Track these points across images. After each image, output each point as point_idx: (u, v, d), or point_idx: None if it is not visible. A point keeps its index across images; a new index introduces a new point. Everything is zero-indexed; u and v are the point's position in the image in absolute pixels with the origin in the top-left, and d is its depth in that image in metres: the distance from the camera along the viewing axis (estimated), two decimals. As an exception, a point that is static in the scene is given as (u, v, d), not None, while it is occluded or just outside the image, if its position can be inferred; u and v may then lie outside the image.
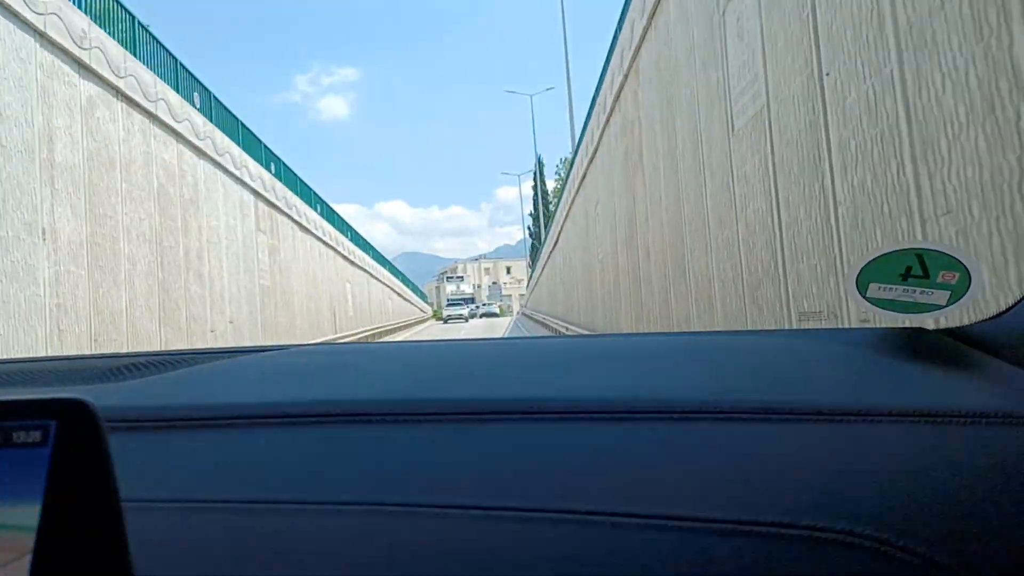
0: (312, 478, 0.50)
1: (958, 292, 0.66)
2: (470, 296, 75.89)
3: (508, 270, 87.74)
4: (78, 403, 0.38)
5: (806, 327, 3.54)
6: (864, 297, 0.69)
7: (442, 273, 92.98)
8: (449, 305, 60.51)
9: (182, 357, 0.66)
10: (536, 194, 42.29)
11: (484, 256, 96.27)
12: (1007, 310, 0.65)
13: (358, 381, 0.62)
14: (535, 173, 47.46)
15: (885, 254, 0.68)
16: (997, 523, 0.47)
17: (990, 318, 0.67)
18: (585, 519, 0.46)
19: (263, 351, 0.71)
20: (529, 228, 48.25)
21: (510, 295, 68.05)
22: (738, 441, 0.51)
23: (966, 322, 0.69)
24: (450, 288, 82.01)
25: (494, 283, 77.94)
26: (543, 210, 42.03)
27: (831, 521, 0.46)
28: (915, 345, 0.67)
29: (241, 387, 0.61)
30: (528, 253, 47.87)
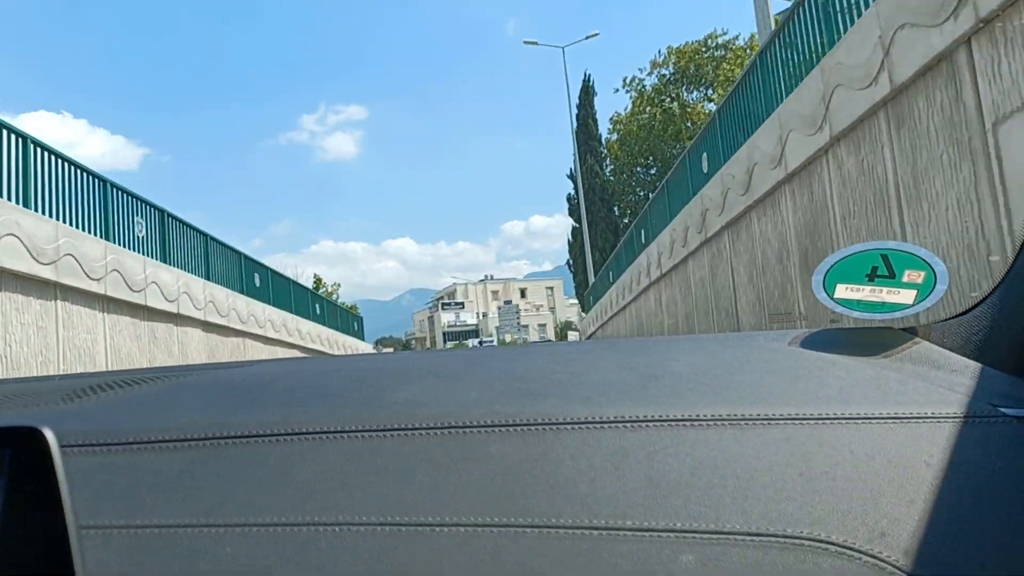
0: (281, 498, 0.50)
1: (924, 291, 0.66)
2: (473, 328, 58.44)
3: (523, 293, 64.87)
4: (30, 430, 0.38)
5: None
6: (831, 298, 0.69)
7: (436, 300, 68.06)
8: (446, 343, 50.65)
9: (150, 375, 0.66)
10: (578, 149, 31.71)
11: (491, 278, 68.86)
12: (968, 310, 0.65)
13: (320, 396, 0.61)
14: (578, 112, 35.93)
15: (851, 254, 0.68)
16: (961, 521, 0.47)
17: (952, 317, 0.67)
18: (545, 532, 0.46)
19: (232, 367, 0.71)
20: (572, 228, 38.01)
21: (527, 325, 49.55)
22: (702, 449, 0.51)
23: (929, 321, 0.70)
24: (446, 319, 60.64)
25: (508, 303, 54.16)
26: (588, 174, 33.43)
27: (798, 527, 0.46)
28: (881, 344, 0.66)
29: (215, 403, 0.61)
30: (570, 261, 39.87)
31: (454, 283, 69.08)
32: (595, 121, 37.32)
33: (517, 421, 0.54)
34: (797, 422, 0.53)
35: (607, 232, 34.66)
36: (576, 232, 37.12)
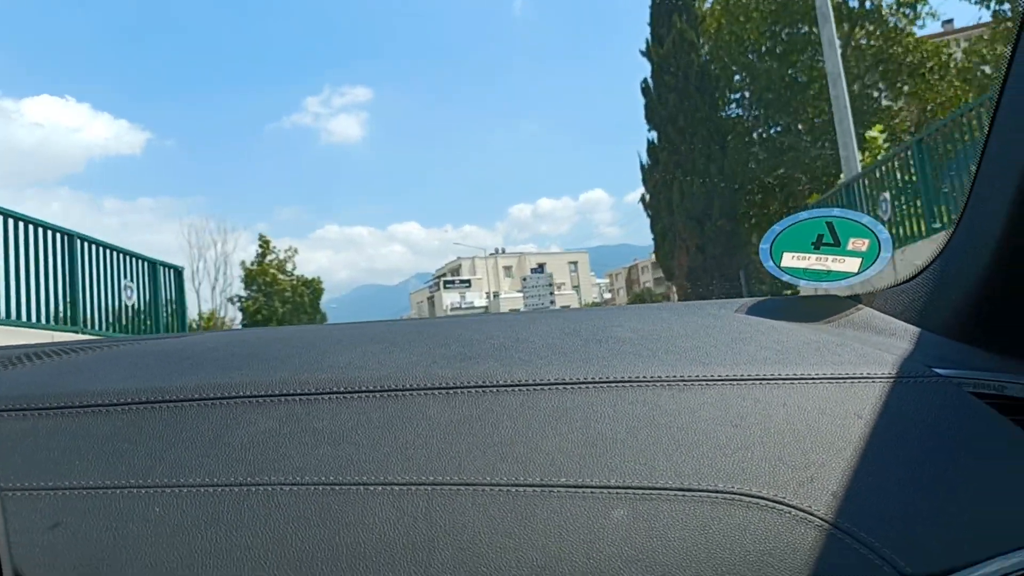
0: (214, 460, 0.50)
1: (868, 259, 0.66)
2: (482, 311, 39.56)
3: (541, 268, 47.15)
4: None
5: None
6: (778, 266, 0.68)
7: (438, 277, 54.00)
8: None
9: (88, 345, 0.66)
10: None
11: (502, 251, 54.99)
12: (911, 278, 0.65)
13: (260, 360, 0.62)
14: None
15: (797, 223, 0.68)
16: (891, 476, 0.48)
17: (895, 285, 0.67)
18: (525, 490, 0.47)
19: (175, 337, 0.72)
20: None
21: (555, 301, 32.57)
22: (639, 408, 0.52)
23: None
24: (450, 300, 47.44)
25: (538, 269, 41.25)
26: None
27: (729, 483, 0.47)
28: (824, 309, 0.67)
29: (149, 369, 0.61)
30: (645, 195, 24.41)
31: (458, 258, 54.90)
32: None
33: (456, 384, 0.54)
34: (734, 382, 0.54)
35: (709, 143, 21.02)
36: (659, 148, 22.84)
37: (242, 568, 0.44)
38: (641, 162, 24.25)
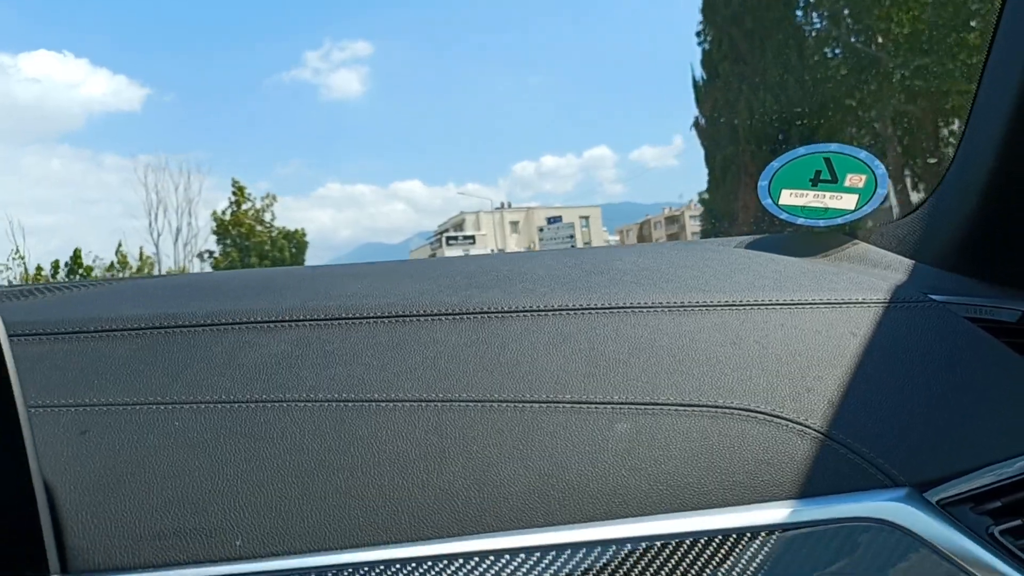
0: (229, 379, 0.51)
1: (865, 194, 0.66)
2: None
3: (559, 219, 40.98)
4: None
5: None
6: (776, 204, 0.69)
7: (439, 233, 49.09)
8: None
9: (98, 282, 0.67)
10: None
11: (509, 206, 50.80)
12: (907, 214, 0.66)
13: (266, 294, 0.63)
14: None
15: (795, 159, 0.69)
16: (885, 391, 0.50)
17: (893, 221, 0.68)
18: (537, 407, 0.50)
19: (186, 275, 0.73)
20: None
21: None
22: (641, 331, 0.54)
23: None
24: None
25: (555, 220, 36.21)
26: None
27: (728, 399, 0.49)
28: (821, 244, 0.68)
29: (164, 298, 0.61)
30: (699, 117, 18.68)
31: (462, 213, 51.42)
32: None
33: (462, 310, 0.55)
34: (733, 307, 0.55)
35: (784, 51, 15.46)
36: (719, 57, 17.87)
37: (260, 476, 0.46)
38: (694, 77, 18.89)
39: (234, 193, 25.75)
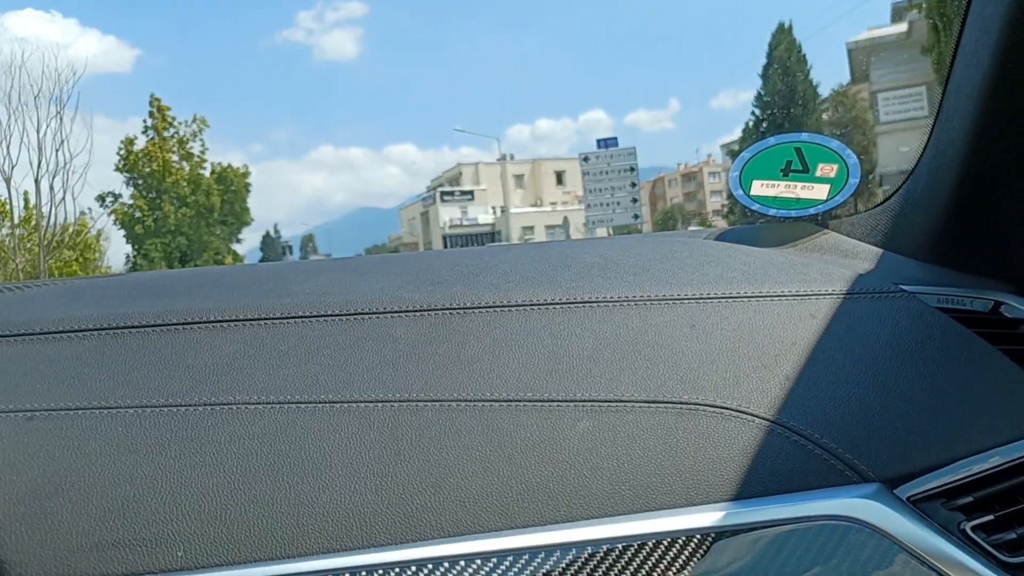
0: (178, 382, 0.50)
1: (837, 184, 0.65)
2: (488, 228, 35.21)
3: (559, 178, 39.84)
4: None
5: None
6: (747, 195, 0.67)
7: (434, 188, 41.02)
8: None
9: (49, 282, 0.65)
10: None
11: (512, 157, 42.55)
12: (877, 205, 0.64)
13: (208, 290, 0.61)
14: None
15: (766, 148, 0.67)
16: (855, 384, 0.49)
17: (861, 212, 0.66)
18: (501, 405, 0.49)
19: (139, 274, 0.71)
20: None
21: (636, 206, 9.22)
22: (607, 327, 0.53)
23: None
24: (448, 216, 36.54)
25: (611, 140, 9.75)
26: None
27: (694, 395, 0.48)
28: (791, 235, 0.66)
29: (113, 298, 0.60)
30: None
31: (459, 165, 43.15)
32: None
33: (423, 307, 0.54)
34: (700, 300, 0.54)
35: None
36: None
37: (206, 483, 0.44)
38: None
39: (151, 115, 18.51)
